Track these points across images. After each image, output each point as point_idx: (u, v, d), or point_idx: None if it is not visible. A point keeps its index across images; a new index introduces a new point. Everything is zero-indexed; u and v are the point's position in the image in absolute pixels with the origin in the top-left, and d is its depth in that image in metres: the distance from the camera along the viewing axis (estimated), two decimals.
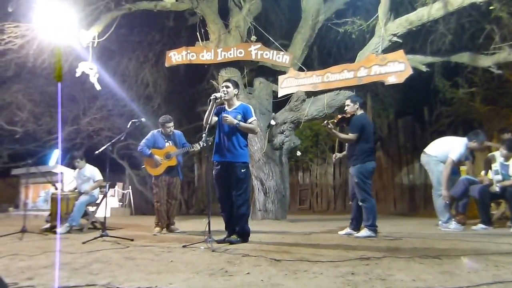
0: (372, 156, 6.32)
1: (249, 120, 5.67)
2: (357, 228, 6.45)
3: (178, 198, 7.94)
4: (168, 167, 7.50)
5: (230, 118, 5.51)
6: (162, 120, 7.70)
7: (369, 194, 6.17)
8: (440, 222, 7.27)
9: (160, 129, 7.74)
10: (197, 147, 7.29)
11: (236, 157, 5.57)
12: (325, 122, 6.39)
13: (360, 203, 6.22)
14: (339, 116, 6.50)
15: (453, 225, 7.07)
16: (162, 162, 7.47)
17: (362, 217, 6.27)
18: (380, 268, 3.46)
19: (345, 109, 6.63)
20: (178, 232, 7.48)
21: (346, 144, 6.69)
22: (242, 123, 5.56)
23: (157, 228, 7.42)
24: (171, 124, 7.68)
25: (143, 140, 7.63)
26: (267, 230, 7.41)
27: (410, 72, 9.21)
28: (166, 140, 7.65)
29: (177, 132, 7.90)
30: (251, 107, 5.83)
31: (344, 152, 6.95)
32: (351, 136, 6.35)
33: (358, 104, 6.53)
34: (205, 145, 5.65)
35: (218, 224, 5.93)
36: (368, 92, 11.69)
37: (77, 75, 10.41)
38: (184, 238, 6.24)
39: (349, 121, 6.48)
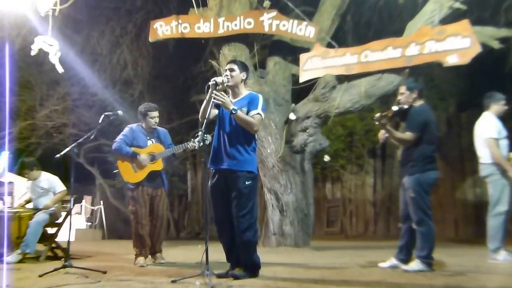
0: (434, 163, 6.23)
1: (251, 113, 5.48)
2: (406, 259, 6.38)
3: (165, 217, 7.90)
4: (151, 172, 7.39)
5: (227, 99, 5.39)
6: (144, 108, 7.55)
7: (427, 214, 6.07)
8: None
9: (140, 123, 7.65)
10: (192, 145, 7.16)
11: (239, 164, 5.44)
12: (377, 115, 6.25)
13: (415, 226, 6.12)
14: (394, 109, 6.36)
15: (502, 255, 7.06)
16: (145, 165, 7.34)
17: (414, 245, 6.23)
18: None
19: (398, 98, 6.52)
20: (165, 263, 7.45)
21: (401, 146, 6.61)
22: (239, 112, 5.38)
23: (141, 258, 7.24)
24: (156, 113, 7.56)
25: (119, 136, 7.50)
26: (284, 261, 7.40)
27: (477, 49, 9.15)
28: (148, 138, 7.55)
29: (161, 129, 7.82)
30: (261, 97, 5.66)
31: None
32: (408, 135, 6.24)
33: (416, 92, 6.43)
34: (201, 145, 5.47)
35: (219, 252, 5.92)
36: (421, 76, 11.61)
37: (33, 53, 10.42)
38: (173, 271, 6.24)
39: (404, 114, 6.41)
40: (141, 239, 7.35)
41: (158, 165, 7.43)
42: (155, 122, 7.57)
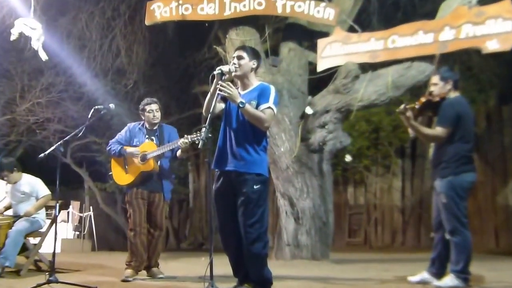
0: (470, 164, 6.21)
1: (262, 107, 5.39)
2: (439, 273, 6.37)
3: (164, 227, 7.89)
4: (144, 174, 7.38)
5: (234, 91, 5.28)
6: (141, 104, 7.73)
7: (462, 223, 6.04)
8: None
9: (141, 122, 7.76)
10: (184, 142, 6.90)
11: (247, 166, 5.36)
12: (402, 106, 6.20)
13: (448, 236, 6.11)
14: (423, 100, 6.32)
15: None
16: (135, 166, 7.36)
17: (449, 257, 6.20)
18: None
19: (430, 89, 6.49)
20: (163, 278, 7.46)
21: (432, 144, 6.58)
22: (247, 106, 5.28)
23: (129, 271, 7.24)
24: (153, 106, 7.63)
25: (116, 137, 7.69)
26: (300, 276, 7.44)
27: None
28: (147, 136, 7.59)
29: (168, 127, 7.91)
30: (273, 88, 5.58)
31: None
32: (438, 131, 6.22)
33: (451, 82, 6.40)
34: (205, 141, 5.21)
35: (224, 265, 5.94)
36: (457, 65, 11.57)
37: (12, 38, 10.47)
38: (173, 287, 6.27)
39: (437, 107, 6.39)
40: (132, 248, 7.35)
41: (149, 166, 7.33)
42: (154, 116, 7.60)
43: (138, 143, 7.51)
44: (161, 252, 7.97)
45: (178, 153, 7.38)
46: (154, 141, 7.55)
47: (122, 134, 7.66)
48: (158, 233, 7.61)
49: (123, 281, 6.99)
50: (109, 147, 7.59)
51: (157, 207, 7.54)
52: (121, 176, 7.52)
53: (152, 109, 7.59)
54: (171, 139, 7.54)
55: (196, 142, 6.92)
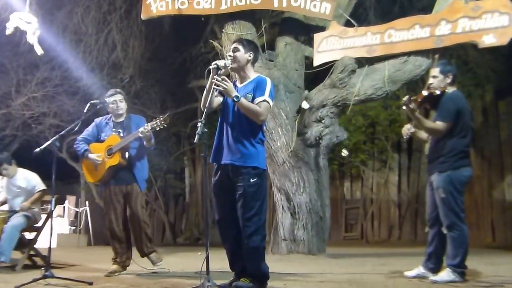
0: (467, 159, 6.21)
1: (257, 100, 5.37)
2: (435, 268, 6.36)
3: (143, 216, 7.59)
4: (111, 169, 7.20)
5: (229, 85, 5.27)
6: (105, 96, 7.52)
7: (460, 217, 6.03)
8: None
9: (108, 116, 7.59)
10: (142, 131, 6.80)
11: (242, 159, 5.33)
12: (406, 98, 6.14)
13: (446, 231, 6.09)
14: (426, 93, 6.27)
15: None
16: (102, 161, 7.20)
17: (445, 252, 6.20)
18: None
19: (429, 82, 6.46)
20: (160, 272, 7.42)
21: (428, 138, 6.56)
22: (243, 100, 5.26)
23: (114, 267, 7.25)
24: (115, 97, 7.44)
25: (83, 133, 7.55)
26: (296, 271, 7.42)
27: None
28: (114, 129, 7.41)
29: (136, 117, 7.74)
30: (269, 81, 5.56)
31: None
32: (439, 125, 6.19)
33: (451, 76, 6.38)
34: (201, 135, 5.06)
35: (221, 259, 5.93)
36: (453, 59, 11.55)
37: (8, 32, 10.41)
38: (169, 282, 6.25)
39: (436, 101, 6.36)
40: (113, 244, 7.41)
41: (115, 160, 7.15)
42: (118, 107, 7.42)
43: (105, 137, 7.35)
44: (157, 245, 7.90)
45: (144, 142, 7.19)
46: (121, 133, 7.34)
47: (89, 130, 7.52)
48: (137, 223, 7.44)
49: (106, 276, 6.98)
50: (75, 146, 7.46)
51: (135, 198, 7.38)
52: (91, 174, 7.44)
53: (116, 100, 7.40)
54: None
55: (157, 129, 6.93)
